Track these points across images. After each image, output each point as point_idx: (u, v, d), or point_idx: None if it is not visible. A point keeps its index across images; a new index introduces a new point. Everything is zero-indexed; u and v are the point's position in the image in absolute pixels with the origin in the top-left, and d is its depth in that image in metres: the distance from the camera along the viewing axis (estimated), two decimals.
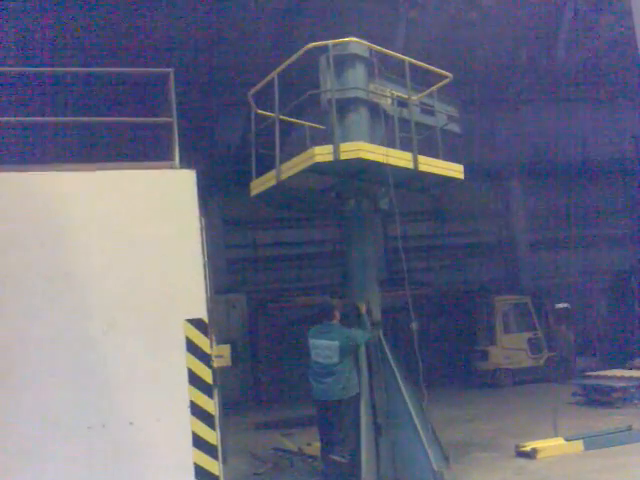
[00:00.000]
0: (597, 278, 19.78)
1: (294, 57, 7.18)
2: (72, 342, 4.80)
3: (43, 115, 11.15)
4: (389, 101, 7.74)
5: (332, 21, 11.74)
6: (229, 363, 5.20)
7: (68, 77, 11.81)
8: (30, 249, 4.84)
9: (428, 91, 8.11)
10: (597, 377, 12.57)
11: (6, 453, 4.58)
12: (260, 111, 8.12)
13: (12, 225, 4.83)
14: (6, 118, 6.05)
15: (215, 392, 5.02)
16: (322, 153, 6.74)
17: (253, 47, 13.46)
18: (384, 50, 7.54)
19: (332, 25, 11.32)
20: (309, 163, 6.83)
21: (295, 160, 7.11)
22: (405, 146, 7.34)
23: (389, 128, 7.63)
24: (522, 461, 7.98)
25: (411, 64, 7.56)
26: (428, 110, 8.21)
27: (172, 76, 5.43)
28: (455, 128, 8.69)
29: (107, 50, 12.33)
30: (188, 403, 4.91)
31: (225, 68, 14.30)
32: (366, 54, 7.58)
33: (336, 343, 6.89)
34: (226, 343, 5.37)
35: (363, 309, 7.35)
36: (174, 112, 5.35)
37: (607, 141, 18.64)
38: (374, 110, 7.63)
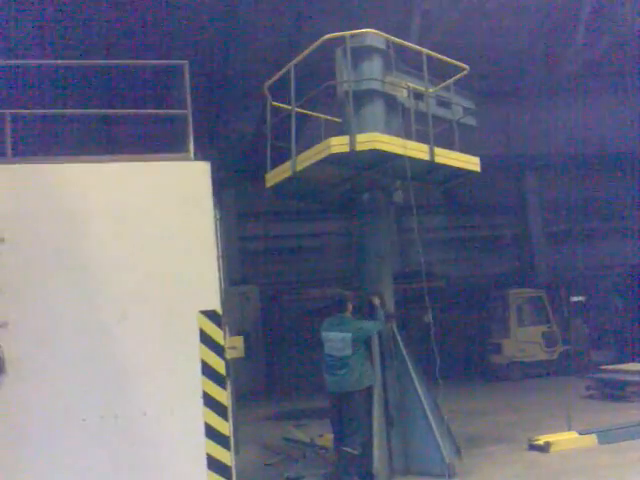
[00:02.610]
0: (613, 271, 19.63)
1: (311, 48, 7.15)
2: (86, 333, 4.83)
3: (56, 108, 11.22)
4: (405, 93, 7.70)
5: (346, 13, 11.67)
6: (242, 354, 5.21)
7: (81, 70, 11.84)
8: (48, 240, 4.87)
9: (445, 84, 8.06)
10: (612, 371, 12.48)
11: (20, 442, 4.63)
12: (275, 103, 8.12)
13: (31, 217, 4.87)
14: (21, 110, 6.07)
15: (228, 383, 5.04)
16: (338, 144, 6.72)
17: (267, 39, 13.44)
18: (401, 41, 7.50)
19: (346, 17, 11.25)
20: (325, 154, 6.82)
21: (311, 151, 7.09)
22: (421, 139, 7.31)
23: (405, 120, 7.61)
24: (535, 454, 7.95)
25: (428, 56, 7.51)
26: (444, 103, 8.16)
27: (187, 68, 5.44)
28: (471, 121, 8.64)
29: (120, 43, 12.35)
30: (201, 394, 4.93)
31: (239, 60, 14.29)
32: (383, 46, 7.55)
33: (349, 335, 6.90)
34: (239, 335, 5.39)
35: (377, 302, 7.34)
36: (189, 104, 5.36)
37: (624, 133, 18.45)
38: (390, 102, 7.60)
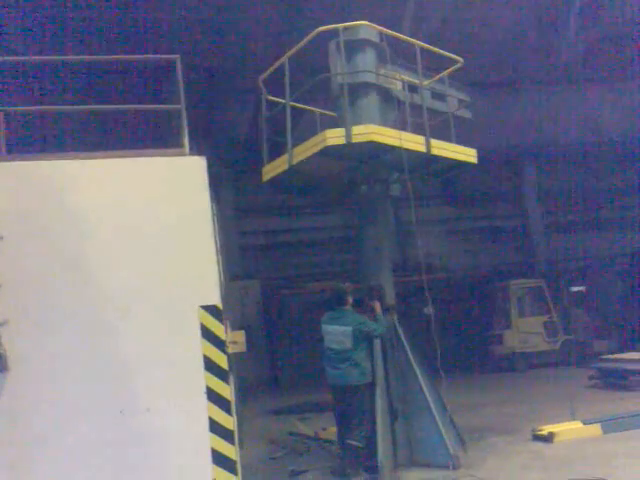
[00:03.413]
0: (613, 260, 19.63)
1: (305, 41, 7.14)
2: (88, 330, 4.82)
3: (50, 104, 11.18)
4: (399, 86, 7.67)
5: (339, 5, 11.62)
6: (244, 349, 5.20)
7: (72, 66, 11.79)
8: (46, 237, 4.86)
9: (439, 76, 8.04)
10: (614, 360, 12.48)
11: (24, 440, 4.62)
12: (271, 97, 8.09)
13: (29, 214, 4.85)
14: (14, 107, 6.05)
15: (231, 378, 5.03)
16: (334, 136, 6.71)
17: (261, 33, 13.39)
18: (395, 34, 7.47)
19: (338, 9, 11.20)
20: (321, 147, 6.80)
21: (307, 144, 7.08)
22: (417, 132, 7.28)
23: (400, 113, 7.58)
24: (539, 445, 7.94)
25: (422, 48, 7.48)
26: (439, 95, 8.13)
27: (179, 62, 5.41)
28: (466, 113, 8.62)
29: (113, 38, 12.30)
30: (204, 389, 4.92)
31: (233, 54, 14.26)
32: (376, 38, 7.52)
33: (349, 329, 6.88)
34: (241, 329, 5.38)
35: (378, 308, 7.27)
36: (182, 99, 5.33)
37: (620, 121, 18.43)
38: (385, 95, 7.57)
